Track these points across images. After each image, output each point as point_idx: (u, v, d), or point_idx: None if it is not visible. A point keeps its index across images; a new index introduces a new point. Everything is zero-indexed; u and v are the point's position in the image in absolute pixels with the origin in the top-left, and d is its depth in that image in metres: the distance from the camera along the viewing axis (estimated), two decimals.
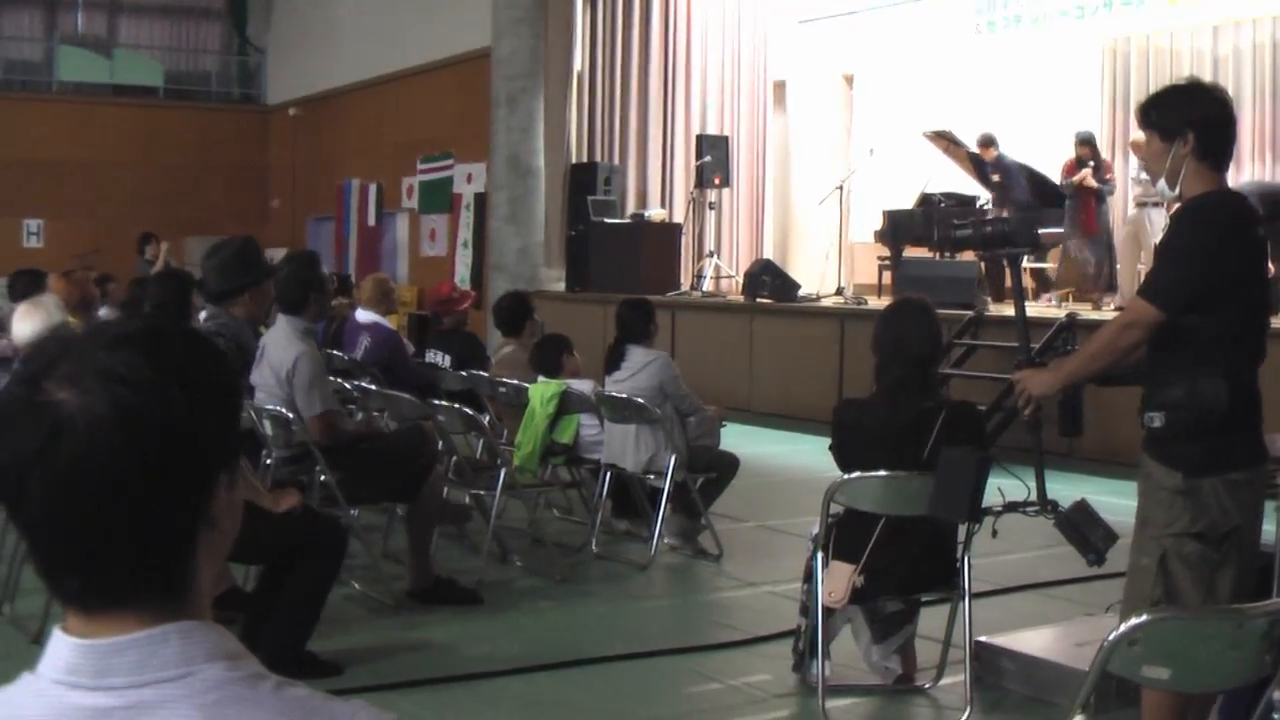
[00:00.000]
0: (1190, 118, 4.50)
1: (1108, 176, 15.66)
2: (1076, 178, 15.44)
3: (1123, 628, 3.21)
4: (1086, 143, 15.62)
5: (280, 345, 7.16)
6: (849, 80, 21.73)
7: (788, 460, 12.67)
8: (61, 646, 1.48)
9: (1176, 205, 4.74)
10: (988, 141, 16.70)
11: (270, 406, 7.29)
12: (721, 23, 21.00)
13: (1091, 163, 15.51)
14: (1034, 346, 12.27)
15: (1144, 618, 3.25)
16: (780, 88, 21.93)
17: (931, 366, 5.82)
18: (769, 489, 10.86)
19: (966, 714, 5.65)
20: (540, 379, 8.94)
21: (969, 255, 16.09)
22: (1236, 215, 4.56)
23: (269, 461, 7.71)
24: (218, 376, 1.56)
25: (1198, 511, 4.36)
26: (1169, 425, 4.44)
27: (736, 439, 12.72)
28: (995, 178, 16.62)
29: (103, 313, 12.17)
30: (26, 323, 7.38)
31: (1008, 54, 18.84)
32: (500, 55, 20.01)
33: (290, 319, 7.20)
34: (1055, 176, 16.06)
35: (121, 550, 1.47)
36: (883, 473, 5.56)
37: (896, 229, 17.12)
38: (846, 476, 5.63)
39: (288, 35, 28.98)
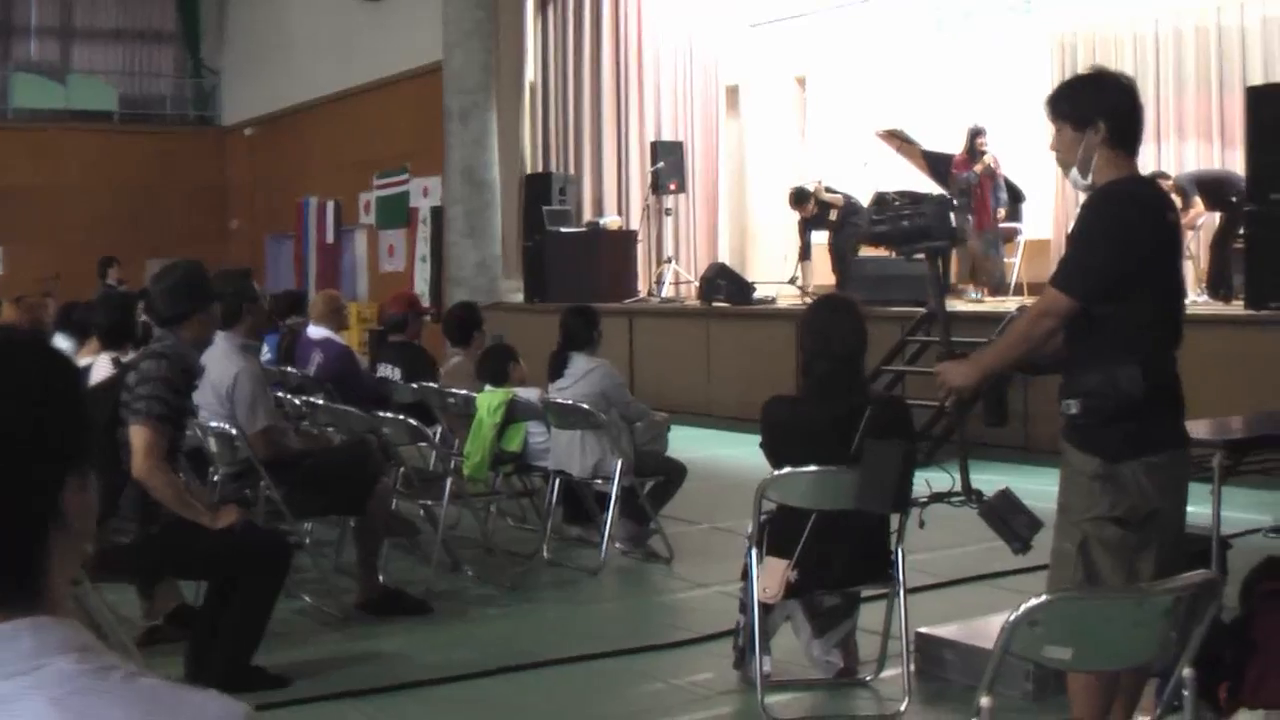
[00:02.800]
0: (1101, 107, 4.56)
1: (999, 171, 15.80)
2: (979, 167, 15.52)
3: (1022, 609, 3.26)
4: (979, 134, 15.69)
5: (219, 363, 7.19)
6: (801, 82, 21.80)
7: (744, 462, 12.62)
8: None
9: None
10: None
11: (214, 424, 7.33)
12: (673, 29, 21.06)
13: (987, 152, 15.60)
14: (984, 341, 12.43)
15: (1043, 598, 3.30)
16: (733, 92, 22.00)
17: (857, 362, 5.87)
18: (723, 491, 10.87)
19: (904, 704, 5.70)
20: (487, 388, 8.98)
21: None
22: (1147, 201, 4.61)
23: (215, 479, 7.76)
24: (61, 384, 1.62)
25: (1117, 495, 4.41)
26: (1086, 412, 4.50)
27: (694, 442, 12.83)
28: None
29: (57, 339, 12.20)
30: None
31: (958, 51, 18.92)
32: (452, 69, 20.02)
33: (227, 335, 7.24)
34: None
35: None
36: (813, 468, 5.61)
37: (853, 228, 17.20)
38: (777, 473, 5.68)
39: (241, 55, 28.98)
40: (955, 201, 15.50)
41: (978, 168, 15.52)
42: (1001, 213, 15.71)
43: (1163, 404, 4.53)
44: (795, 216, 18.10)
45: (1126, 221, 4.48)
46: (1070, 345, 4.58)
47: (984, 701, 3.32)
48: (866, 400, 5.76)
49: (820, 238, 18.06)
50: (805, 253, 18.08)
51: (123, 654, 5.27)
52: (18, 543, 1.55)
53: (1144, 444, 4.45)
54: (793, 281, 18.04)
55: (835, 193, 17.65)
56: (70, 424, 1.61)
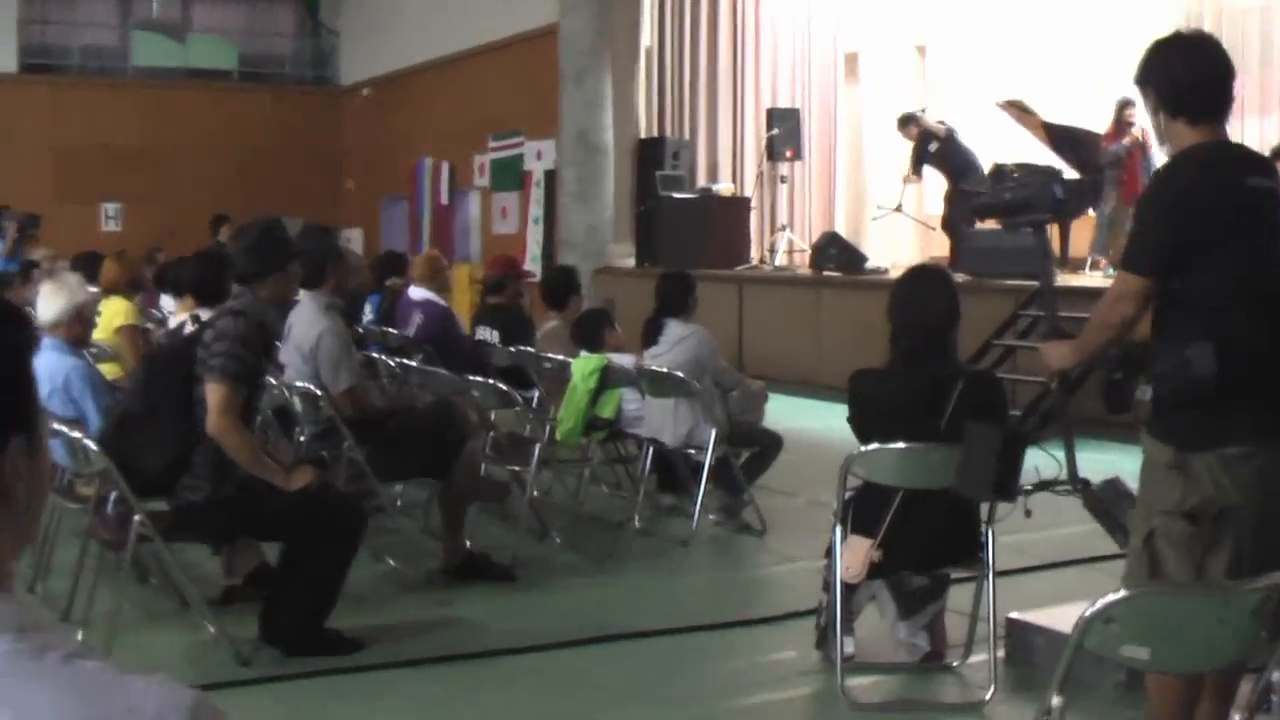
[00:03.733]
0: (1150, 75, 4.32)
1: (1148, 144, 15.13)
2: (1126, 141, 15.06)
3: (1098, 605, 3.07)
4: (1128, 105, 15.21)
5: (304, 322, 7.14)
6: (921, 51, 21.43)
7: (848, 435, 12.48)
8: None
9: None
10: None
11: (299, 383, 7.27)
12: None
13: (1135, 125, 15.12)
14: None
15: (1120, 594, 3.10)
16: (852, 59, 21.66)
17: (947, 335, 5.65)
18: (824, 464, 10.56)
19: (990, 692, 5.50)
20: (582, 353, 8.85)
21: None
22: (1216, 166, 4.27)
23: (301, 438, 7.71)
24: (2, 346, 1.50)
25: (1188, 488, 4.10)
26: (1158, 397, 4.25)
27: (800, 412, 12.64)
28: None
29: (163, 298, 12.28)
30: (49, 302, 7.36)
31: (1082, 20, 18.47)
32: (567, 31, 19.90)
33: (313, 294, 7.19)
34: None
35: None
36: (899, 444, 5.41)
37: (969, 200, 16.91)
38: (863, 449, 5.50)
39: (360, 16, 29.02)
40: (1106, 174, 15.17)
41: (1126, 140, 15.06)
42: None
43: (1245, 389, 4.12)
44: (911, 187, 17.82)
45: (1185, 190, 4.19)
46: (1152, 327, 4.32)
47: (1054, 701, 3.13)
48: (957, 374, 5.55)
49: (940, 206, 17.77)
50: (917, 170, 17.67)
51: (198, 613, 5.24)
52: None
53: (1219, 434, 4.12)
54: (899, 209, 17.83)
55: (942, 124, 17.30)
56: (7, 386, 1.49)
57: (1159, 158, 14.86)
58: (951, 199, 17.11)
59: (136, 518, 5.98)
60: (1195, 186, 4.19)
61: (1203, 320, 4.10)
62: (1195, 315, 4.12)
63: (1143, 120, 14.92)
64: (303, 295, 7.14)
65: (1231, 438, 4.12)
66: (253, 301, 6.18)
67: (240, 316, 6.07)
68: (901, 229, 19.03)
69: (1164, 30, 13.96)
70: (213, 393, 5.90)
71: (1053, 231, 15.33)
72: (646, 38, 20.71)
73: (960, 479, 5.17)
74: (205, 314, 7.39)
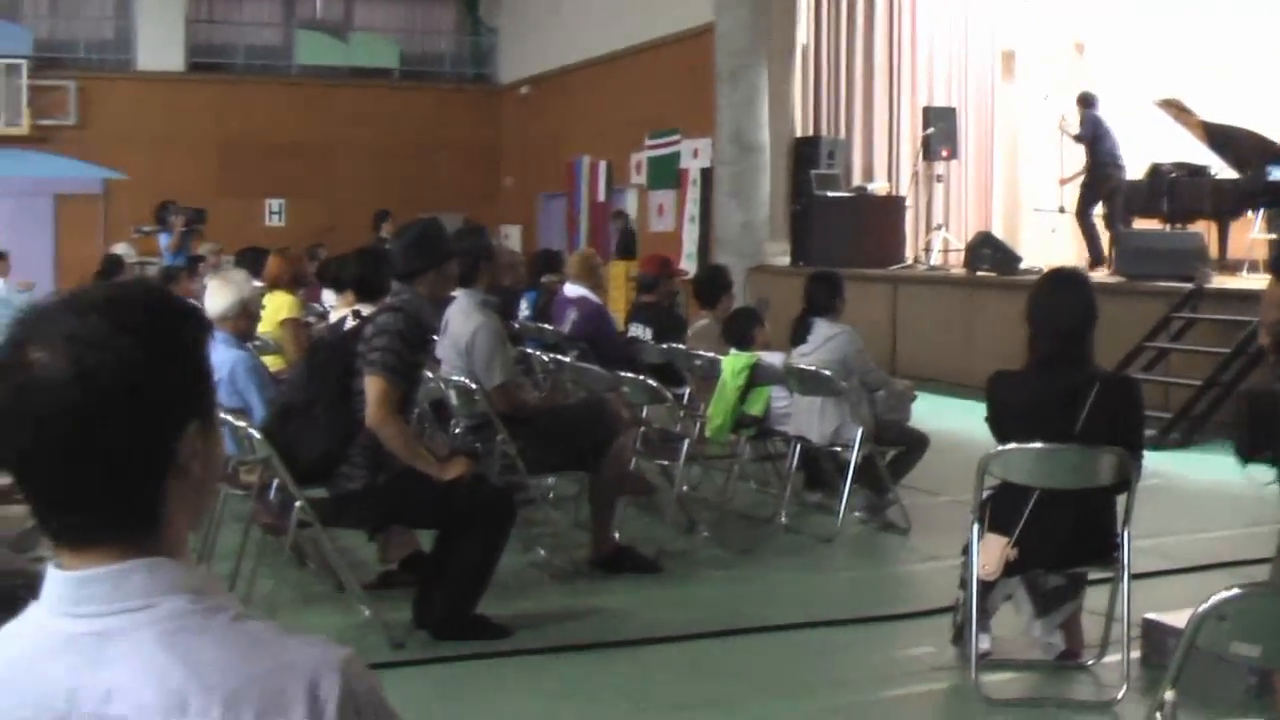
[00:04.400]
0: None
1: None
2: None
3: (1211, 601, 3.15)
4: None
5: (460, 318, 7.38)
6: (1080, 49, 21.25)
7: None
8: (52, 579, 1.66)
9: None
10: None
11: (455, 377, 7.51)
12: None
13: None
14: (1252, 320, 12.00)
15: (1233, 591, 3.18)
16: (1009, 57, 21.56)
17: (1083, 338, 5.71)
18: (970, 464, 10.68)
19: (1122, 691, 5.56)
20: (732, 351, 9.00)
21: (1197, 225, 15.73)
22: None
23: (456, 430, 7.96)
24: (179, 335, 1.69)
25: None
26: None
27: (950, 412, 12.66)
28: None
29: (324, 293, 12.62)
30: (216, 297, 7.67)
31: (1242, 16, 18.20)
32: (722, 30, 20.02)
33: (467, 292, 7.41)
34: None
35: (90, 493, 1.62)
36: (1036, 445, 5.50)
37: (1127, 200, 16.81)
38: (1000, 448, 5.59)
39: (518, 15, 29.36)
40: None
41: None
42: None
43: None
44: (1069, 185, 17.76)
45: None
46: None
47: (1167, 695, 3.23)
48: (1093, 378, 5.62)
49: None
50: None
51: (353, 596, 5.48)
52: (134, 486, 1.64)
53: None
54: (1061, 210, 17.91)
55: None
56: (187, 373, 1.69)
57: None
58: (1100, 191, 16.98)
59: (297, 504, 6.25)
60: None
61: None
62: None
63: None
64: (458, 292, 7.38)
65: None
66: (411, 298, 6.40)
67: (399, 313, 6.30)
68: (1058, 229, 18.92)
69: None
70: (371, 386, 6.14)
71: (1210, 232, 15.29)
72: (802, 36, 20.75)
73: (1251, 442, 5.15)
74: (365, 309, 7.66)
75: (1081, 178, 17.50)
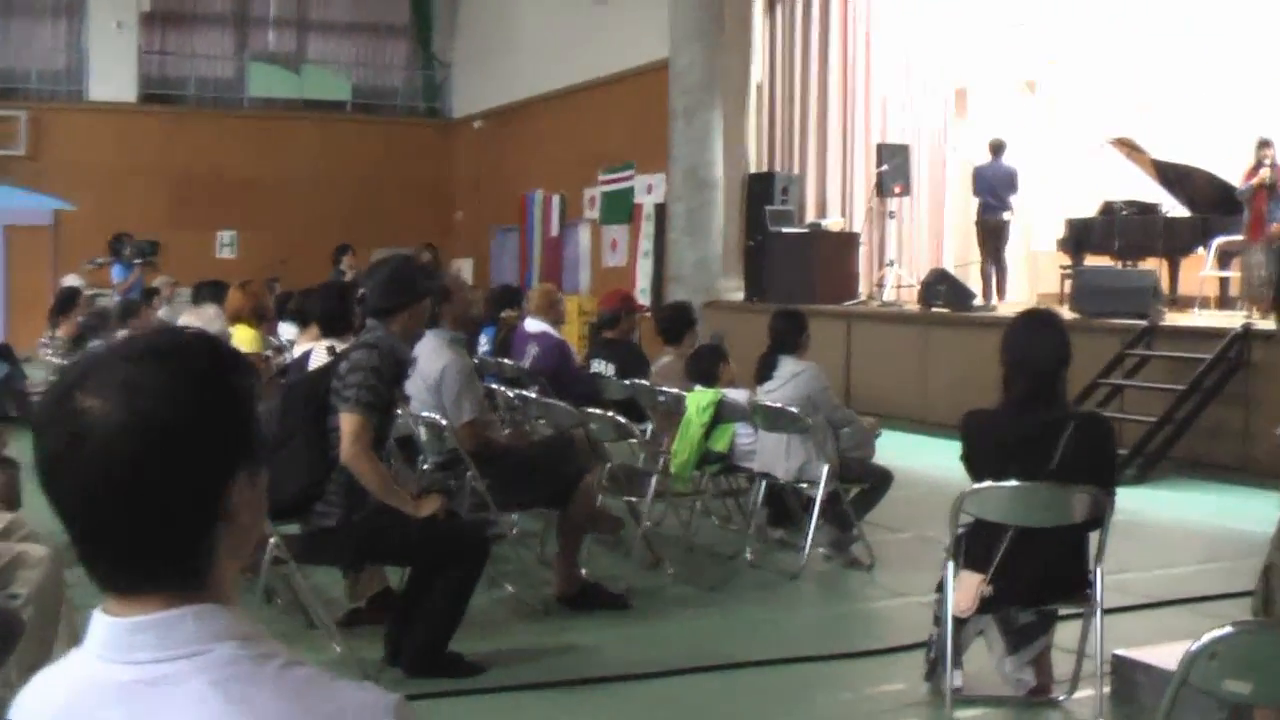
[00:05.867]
0: None
1: None
2: (1254, 181, 14.92)
3: (1204, 640, 3.20)
4: (1264, 145, 15.08)
5: (429, 355, 7.40)
6: (1031, 87, 21.46)
7: (955, 472, 12.45)
8: (98, 625, 1.67)
9: None
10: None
11: (425, 414, 7.51)
12: (902, 30, 20.89)
13: (1267, 165, 14.98)
14: (1206, 357, 12.15)
15: (1225, 629, 3.23)
16: (962, 95, 21.71)
17: (1058, 377, 5.78)
18: (932, 500, 10.72)
19: None
20: (697, 388, 9.03)
21: (1148, 263, 15.90)
22: None
23: (425, 466, 7.95)
24: (231, 382, 1.70)
25: None
26: None
27: (907, 449, 12.74)
28: None
29: (283, 326, 12.58)
30: None
31: (1194, 57, 18.43)
32: (678, 67, 20.13)
33: (434, 331, 7.44)
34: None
35: (142, 540, 1.63)
36: (1011, 483, 5.55)
37: (1078, 237, 16.99)
38: (975, 486, 5.64)
39: (471, 49, 29.44)
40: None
41: (1254, 181, 14.89)
42: (1275, 227, 14.99)
43: None
44: (1019, 223, 17.96)
45: None
46: None
47: None
48: (1068, 417, 5.68)
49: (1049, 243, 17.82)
50: None
51: (325, 633, 5.46)
52: (185, 533, 1.65)
53: None
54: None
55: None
56: (239, 421, 1.70)
57: None
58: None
59: (271, 540, 6.24)
60: None
61: None
62: None
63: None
64: (428, 331, 7.40)
65: None
66: (385, 335, 6.41)
67: (374, 349, 6.31)
68: (1011, 265, 19.09)
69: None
70: (347, 422, 6.14)
71: (1161, 269, 15.46)
72: (757, 73, 20.91)
73: None
74: (333, 343, 7.66)
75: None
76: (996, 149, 18.07)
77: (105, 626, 1.65)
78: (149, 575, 1.65)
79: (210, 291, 12.71)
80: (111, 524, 1.62)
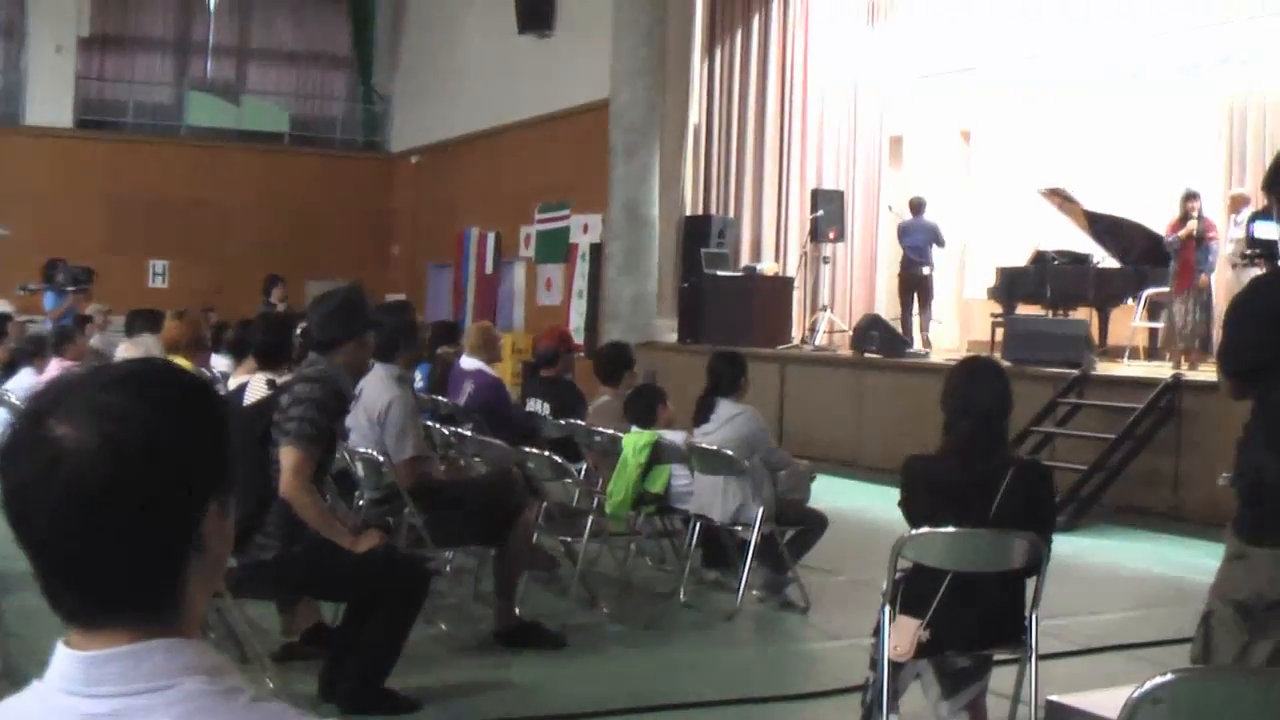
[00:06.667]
0: (1276, 183, 4.48)
1: (1209, 235, 15.18)
2: (1182, 233, 15.08)
3: (1146, 686, 3.22)
4: (1190, 198, 15.26)
5: (375, 389, 7.39)
6: (966, 136, 21.69)
7: (888, 515, 12.41)
8: (61, 658, 1.64)
9: None
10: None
11: (363, 449, 7.48)
12: (839, 77, 21.05)
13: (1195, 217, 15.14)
14: (1137, 406, 12.29)
15: (1168, 677, 3.26)
16: (897, 142, 21.92)
17: (999, 423, 5.83)
18: (866, 544, 10.80)
19: None
20: (633, 428, 9.04)
21: (1079, 312, 16.07)
22: None
23: (361, 502, 7.92)
24: (207, 414, 1.70)
25: (1245, 579, 4.30)
26: (1235, 490, 4.44)
27: (841, 493, 12.79)
28: None
29: (216, 357, 12.47)
30: None
31: (1125, 111, 18.69)
32: (618, 106, 20.22)
33: (385, 365, 7.42)
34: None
35: (112, 571, 1.62)
36: (950, 528, 5.58)
37: (1010, 286, 17.14)
38: (914, 531, 5.67)
39: (412, 83, 29.45)
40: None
41: (1182, 232, 15.04)
42: (1204, 278, 15.17)
43: None
44: (951, 270, 18.20)
45: (1273, 304, 4.39)
46: (1247, 424, 4.49)
47: None
48: (1008, 463, 5.73)
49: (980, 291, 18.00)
50: None
51: (259, 667, 5.41)
52: (157, 564, 1.64)
53: (1278, 533, 4.31)
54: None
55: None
56: (212, 453, 1.70)
57: (1219, 249, 15.06)
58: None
59: None
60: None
61: (1271, 425, 4.28)
62: (1267, 420, 4.30)
63: (1206, 212, 15.08)
64: (376, 365, 7.38)
65: None
66: (328, 368, 6.39)
67: (316, 383, 6.28)
68: (943, 313, 19.30)
69: (1208, 124, 14.15)
70: (287, 456, 6.11)
71: (1091, 319, 15.62)
72: (695, 115, 21.02)
73: None
74: (271, 376, 7.62)
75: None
76: (917, 207, 19.07)
77: (69, 659, 1.63)
78: (118, 607, 1.63)
79: (144, 321, 12.62)
80: (82, 554, 1.60)
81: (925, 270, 18.99)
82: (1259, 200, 13.60)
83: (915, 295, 19.04)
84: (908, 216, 19.22)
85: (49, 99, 27.49)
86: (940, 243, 19.03)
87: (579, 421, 9.79)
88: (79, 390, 1.64)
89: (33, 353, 12.32)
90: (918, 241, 18.97)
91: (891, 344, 16.50)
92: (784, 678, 7.40)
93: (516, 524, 7.65)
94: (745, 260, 20.56)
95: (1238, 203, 14.88)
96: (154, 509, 1.61)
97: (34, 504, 1.60)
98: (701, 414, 8.96)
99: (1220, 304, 14.92)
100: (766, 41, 21.17)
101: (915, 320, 18.94)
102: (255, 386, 7.95)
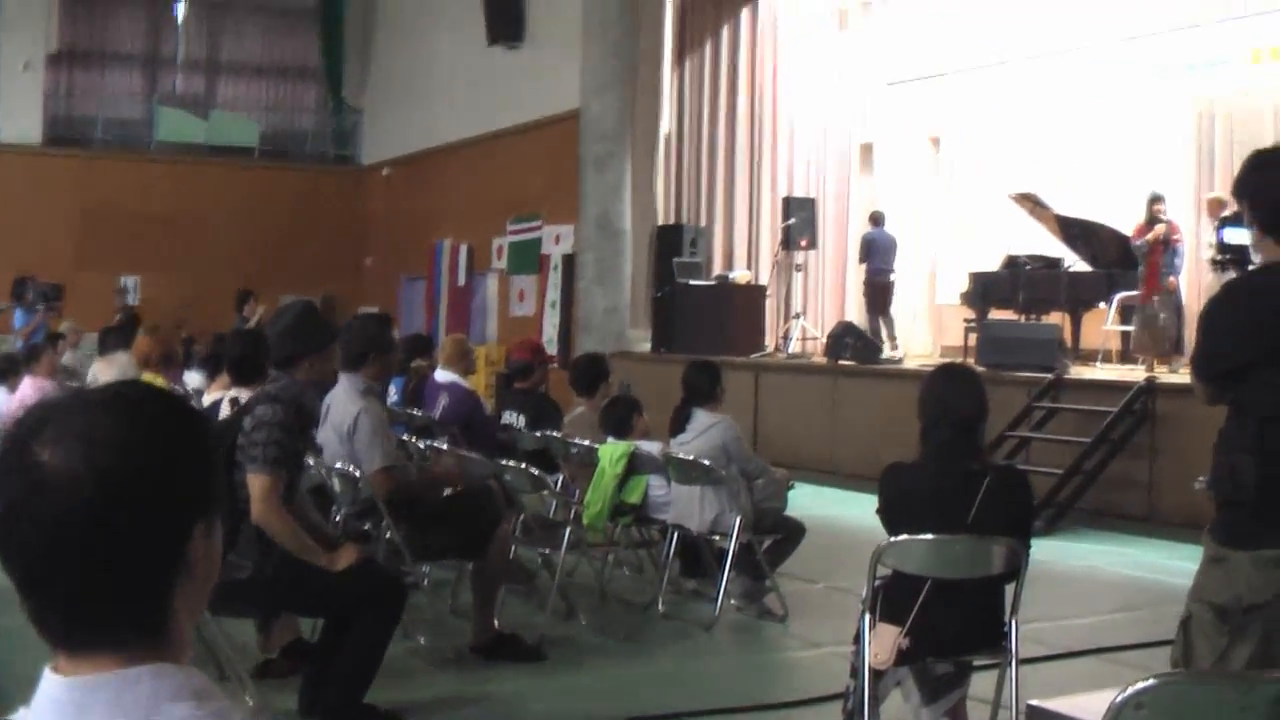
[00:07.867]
0: (1246, 188, 4.47)
1: (1174, 238, 15.23)
2: (1150, 236, 15.13)
3: (1129, 691, 3.23)
4: (1156, 201, 15.30)
5: (341, 403, 7.34)
6: (936, 142, 21.73)
7: (865, 523, 12.42)
8: (49, 684, 1.63)
9: None
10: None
11: (338, 465, 7.46)
12: (809, 85, 21.12)
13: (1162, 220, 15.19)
14: (1112, 410, 12.33)
15: (1150, 681, 3.26)
16: (867, 150, 21.97)
17: (976, 430, 5.84)
18: (843, 551, 10.81)
19: None
20: (610, 439, 9.04)
21: (1051, 317, 16.12)
22: (1273, 288, 4.42)
23: (338, 517, 7.89)
24: (191, 436, 1.69)
25: (1223, 582, 4.31)
26: (1212, 494, 4.45)
27: (817, 500, 12.81)
28: None
29: (189, 374, 12.44)
30: (102, 380, 7.55)
31: (1095, 115, 18.76)
32: (589, 117, 20.23)
33: (350, 376, 7.38)
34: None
35: (99, 596, 1.61)
36: (929, 535, 5.59)
37: (983, 291, 17.19)
38: (893, 539, 5.67)
39: (383, 96, 29.41)
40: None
41: (1149, 236, 15.09)
42: (1172, 280, 15.20)
43: None
44: (923, 276, 18.28)
45: (1247, 308, 4.39)
46: (1222, 429, 4.49)
47: None
48: (985, 469, 5.74)
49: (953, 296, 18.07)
50: None
51: (238, 685, 5.39)
52: (144, 587, 1.63)
53: (1256, 536, 4.29)
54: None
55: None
56: (197, 475, 1.69)
57: (1186, 253, 15.13)
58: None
59: None
60: (1261, 303, 4.37)
61: (1254, 431, 4.28)
62: (1248, 424, 4.30)
63: (1171, 215, 15.12)
64: (341, 377, 7.35)
65: (1269, 541, 4.28)
66: (288, 384, 6.34)
67: (277, 403, 6.21)
68: (916, 319, 19.35)
69: (1177, 128, 14.19)
70: (255, 482, 6.05)
71: (1064, 323, 15.67)
72: (666, 124, 21.04)
73: None
74: (240, 393, 7.58)
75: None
76: (877, 220, 19.89)
77: (57, 685, 1.62)
78: (105, 632, 1.62)
79: (117, 338, 12.57)
80: (69, 578, 1.59)
81: (891, 278, 19.82)
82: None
83: (881, 300, 19.74)
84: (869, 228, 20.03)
85: (17, 115, 27.33)
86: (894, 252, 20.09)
87: (555, 433, 9.77)
88: (64, 414, 1.63)
89: (4, 370, 12.27)
90: (884, 251, 19.69)
91: (866, 351, 16.52)
92: (764, 687, 7.40)
93: (495, 536, 7.64)
94: (718, 269, 20.61)
95: (1215, 206, 14.88)
96: (140, 532, 1.60)
97: (19, 529, 1.59)
98: (678, 424, 8.96)
99: (1196, 307, 14.95)
100: (736, 50, 21.23)
101: (882, 328, 19.44)
102: (227, 404, 7.92)
